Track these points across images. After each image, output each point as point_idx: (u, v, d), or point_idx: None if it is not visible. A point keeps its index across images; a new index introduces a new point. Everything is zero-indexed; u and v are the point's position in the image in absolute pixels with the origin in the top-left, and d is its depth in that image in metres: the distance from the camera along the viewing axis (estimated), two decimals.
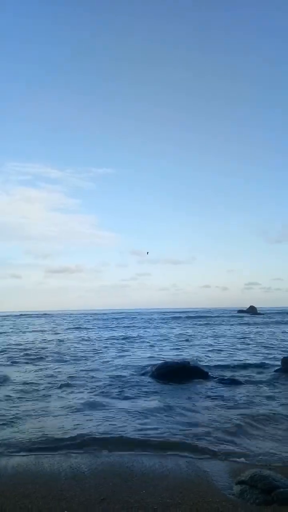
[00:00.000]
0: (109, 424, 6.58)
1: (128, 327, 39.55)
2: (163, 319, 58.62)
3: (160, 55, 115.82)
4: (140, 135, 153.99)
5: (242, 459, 5.01)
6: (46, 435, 5.99)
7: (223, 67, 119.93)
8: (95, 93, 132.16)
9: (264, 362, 13.70)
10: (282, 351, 16.81)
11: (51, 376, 11.38)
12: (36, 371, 12.36)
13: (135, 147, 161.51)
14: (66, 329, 36.70)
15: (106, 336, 27.74)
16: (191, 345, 20.34)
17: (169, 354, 16.35)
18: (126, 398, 8.63)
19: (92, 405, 7.90)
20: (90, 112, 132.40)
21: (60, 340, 24.08)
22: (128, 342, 22.83)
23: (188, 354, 16.43)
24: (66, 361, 14.51)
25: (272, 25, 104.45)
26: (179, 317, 61.42)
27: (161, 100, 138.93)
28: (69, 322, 50.78)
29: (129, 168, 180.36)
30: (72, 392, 9.21)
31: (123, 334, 29.11)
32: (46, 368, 12.85)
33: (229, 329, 33.72)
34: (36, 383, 10.22)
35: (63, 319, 63.55)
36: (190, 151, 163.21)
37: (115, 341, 23.57)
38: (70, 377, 11.17)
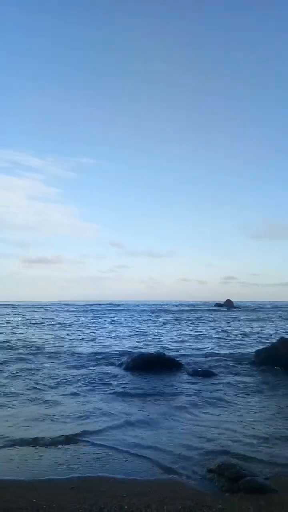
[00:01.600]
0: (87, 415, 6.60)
1: (105, 319, 39.55)
2: (141, 311, 58.85)
3: (151, 50, 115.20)
4: (123, 127, 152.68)
5: (210, 449, 5.09)
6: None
7: (208, 61, 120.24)
8: (79, 84, 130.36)
9: (238, 354, 13.94)
10: (256, 343, 17.10)
11: (17, 369, 11.31)
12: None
13: (117, 139, 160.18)
14: (39, 321, 36.41)
15: (80, 328, 27.68)
16: (168, 337, 20.50)
17: (146, 346, 16.46)
18: (98, 391, 8.66)
19: (67, 396, 7.90)
20: (72, 101, 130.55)
21: (34, 334, 23.89)
22: (104, 333, 22.83)
23: (164, 345, 16.56)
24: (36, 353, 14.40)
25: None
26: (157, 310, 61.76)
27: (145, 94, 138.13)
28: (44, 313, 50.40)
29: (110, 159, 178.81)
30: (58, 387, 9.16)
31: (98, 325, 29.13)
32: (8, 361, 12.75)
33: (206, 322, 34.10)
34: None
35: (39, 310, 63.04)
36: (173, 145, 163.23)
37: (91, 332, 23.55)
38: (39, 370, 11.12)
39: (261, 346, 13.74)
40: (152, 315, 47.60)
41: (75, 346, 16.12)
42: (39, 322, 32.11)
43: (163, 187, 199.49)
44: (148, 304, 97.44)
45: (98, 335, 21.46)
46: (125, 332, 23.88)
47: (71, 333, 22.50)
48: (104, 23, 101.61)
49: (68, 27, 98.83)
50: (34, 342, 17.42)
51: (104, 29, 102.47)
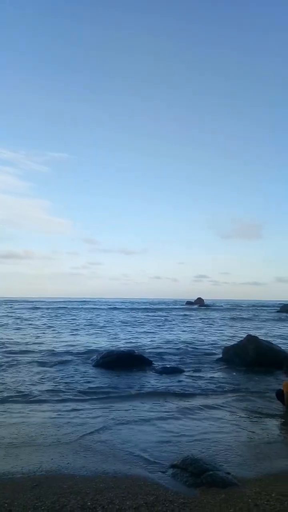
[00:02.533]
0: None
1: (76, 316, 39.28)
2: (113, 309, 58.79)
3: (121, 43, 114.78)
4: (100, 123, 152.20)
5: (175, 446, 5.17)
6: None
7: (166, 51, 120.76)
8: (57, 77, 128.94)
9: (206, 351, 14.15)
10: (224, 340, 17.40)
11: None
12: None
13: (93, 135, 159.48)
14: (6, 318, 35.80)
15: (50, 325, 27.40)
16: (139, 334, 20.57)
17: (117, 343, 16.46)
18: (65, 389, 8.63)
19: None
20: (48, 95, 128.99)
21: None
22: (74, 330, 22.69)
23: (135, 342, 16.62)
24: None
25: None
26: (129, 308, 61.80)
27: (121, 90, 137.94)
28: (12, 310, 49.58)
29: (85, 155, 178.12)
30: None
31: (69, 322, 28.91)
32: None
33: (177, 320, 34.40)
34: None
35: (8, 306, 61.96)
36: (150, 143, 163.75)
37: (61, 329, 23.35)
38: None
39: (229, 343, 14.01)
40: (125, 312, 47.62)
41: (43, 343, 15.95)
42: (7, 317, 31.59)
43: (138, 185, 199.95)
44: (121, 302, 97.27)
45: (68, 332, 21.30)
46: (96, 329, 23.80)
47: (40, 331, 22.24)
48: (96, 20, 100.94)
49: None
50: None
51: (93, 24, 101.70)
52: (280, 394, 7.19)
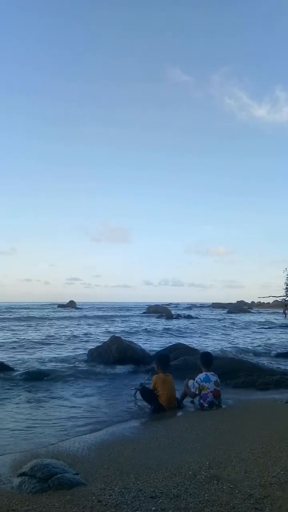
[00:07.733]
0: None
1: None
2: None
3: None
4: None
5: (29, 452, 5.06)
6: None
7: None
8: None
9: (72, 354, 14.15)
10: (91, 342, 17.63)
11: None
12: None
13: None
14: None
15: None
16: (4, 340, 19.57)
17: None
18: None
19: None
20: None
21: None
22: None
23: None
24: None
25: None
26: None
27: None
28: None
29: None
30: None
31: None
32: None
33: (48, 324, 33.76)
34: None
35: None
36: (20, 143, 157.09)
37: None
38: None
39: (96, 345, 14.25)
40: None
41: None
42: None
43: (5, 178, 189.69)
44: None
45: None
46: None
47: None
48: None
49: None
50: None
51: None
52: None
